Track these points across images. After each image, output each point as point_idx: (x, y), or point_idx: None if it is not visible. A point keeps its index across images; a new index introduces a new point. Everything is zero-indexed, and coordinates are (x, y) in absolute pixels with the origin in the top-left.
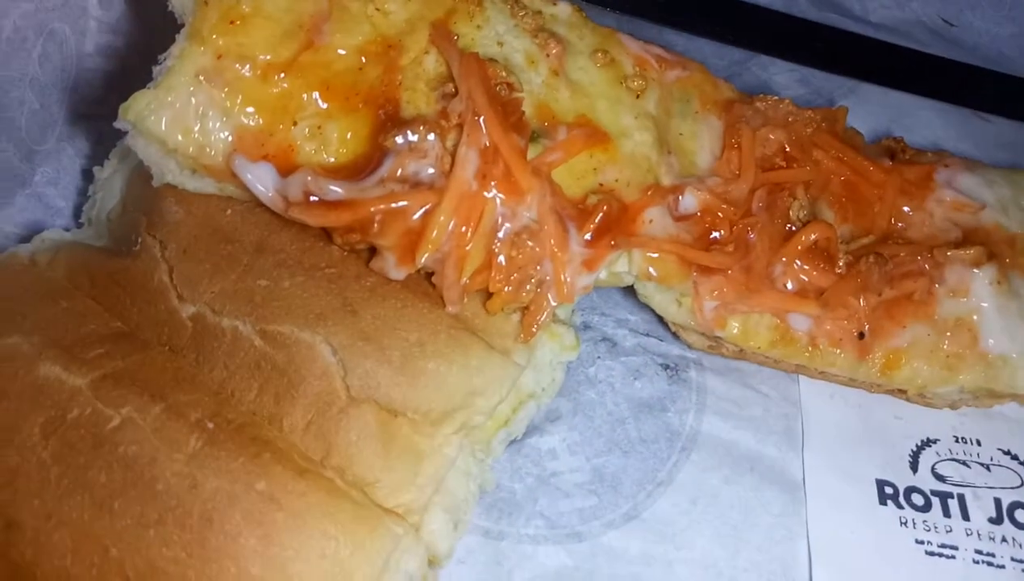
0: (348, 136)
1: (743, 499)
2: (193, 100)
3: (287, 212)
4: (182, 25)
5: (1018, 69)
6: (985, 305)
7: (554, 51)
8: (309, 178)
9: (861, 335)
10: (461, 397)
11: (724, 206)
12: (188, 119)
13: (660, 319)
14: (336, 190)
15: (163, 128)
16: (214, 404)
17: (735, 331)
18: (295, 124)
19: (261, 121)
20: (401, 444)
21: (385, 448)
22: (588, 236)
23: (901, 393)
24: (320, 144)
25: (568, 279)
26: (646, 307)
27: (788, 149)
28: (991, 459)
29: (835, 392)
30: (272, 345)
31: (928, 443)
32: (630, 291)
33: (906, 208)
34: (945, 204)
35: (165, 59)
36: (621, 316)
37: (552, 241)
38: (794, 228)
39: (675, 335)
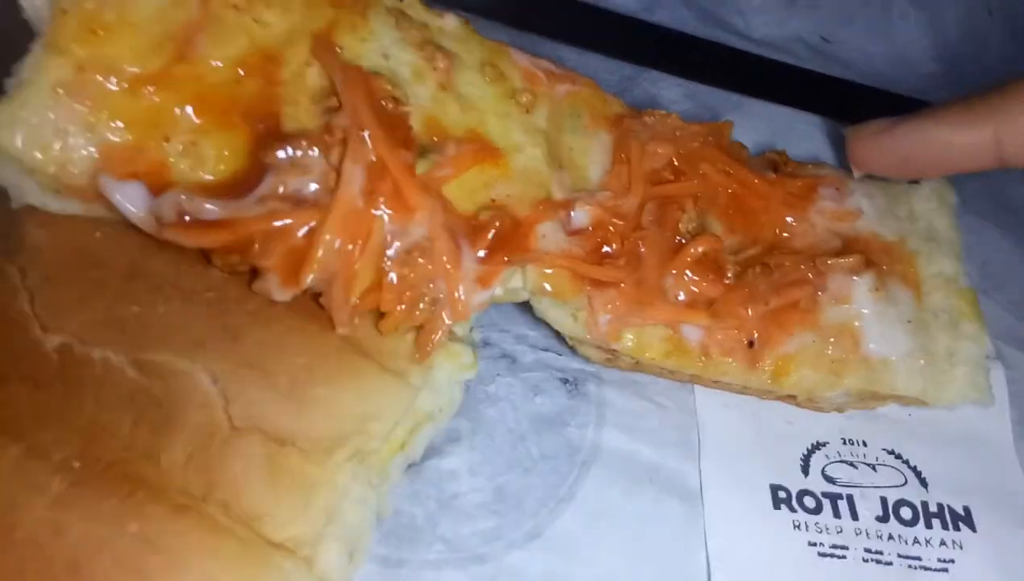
0: (225, 152)
1: (643, 511)
2: (52, 115)
3: (160, 233)
4: (38, 34)
5: (891, 85)
6: (866, 311)
7: (441, 65)
8: (183, 197)
9: (751, 343)
10: (353, 422)
11: (615, 220)
12: (47, 135)
13: (558, 334)
14: (212, 209)
15: (19, 145)
16: (81, 442)
17: (630, 343)
18: (167, 140)
19: (130, 137)
20: (290, 475)
21: (273, 479)
22: (481, 253)
23: (791, 399)
24: (195, 161)
25: (462, 297)
26: (545, 322)
27: (676, 163)
28: (876, 459)
29: (729, 401)
30: (147, 375)
31: (818, 446)
32: (528, 306)
33: (789, 218)
34: (826, 214)
35: (19, 71)
36: (520, 332)
37: (444, 258)
38: (683, 241)
39: (573, 349)
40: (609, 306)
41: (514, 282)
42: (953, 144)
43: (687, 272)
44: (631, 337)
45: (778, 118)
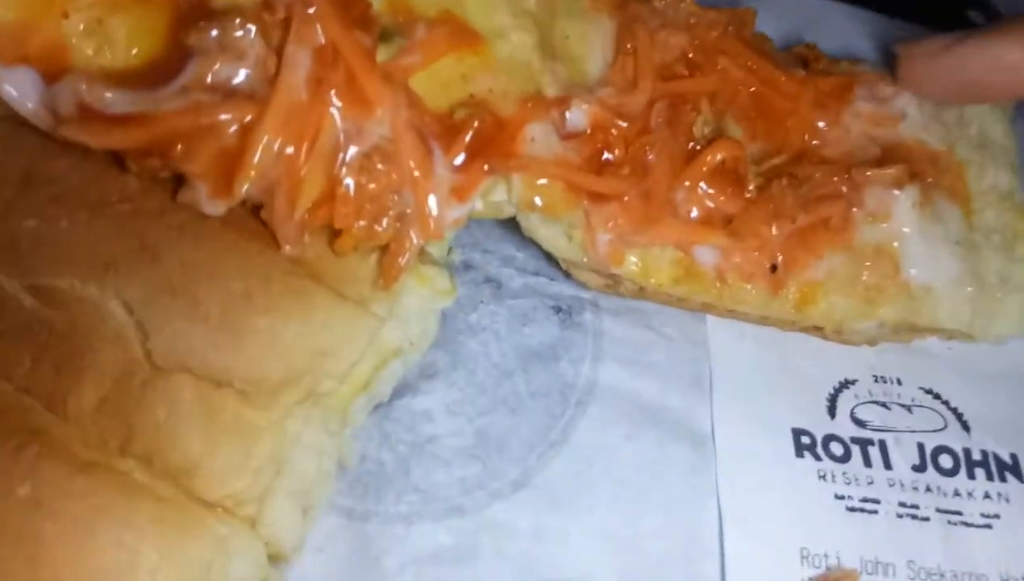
0: (139, 32)
1: (646, 457)
2: None
3: (57, 130)
4: None
5: None
6: (907, 230)
7: None
8: (83, 86)
9: (774, 268)
10: (304, 359)
11: (618, 121)
12: None
13: (550, 256)
14: (121, 100)
15: None
16: None
17: (634, 268)
18: (66, 17)
19: (17, 13)
20: (227, 421)
21: (206, 427)
22: (458, 159)
23: (817, 330)
24: (101, 43)
25: (434, 211)
26: (535, 242)
27: (691, 55)
28: (912, 399)
29: (745, 331)
30: (48, 304)
31: (846, 385)
32: (515, 224)
33: (821, 123)
34: (863, 118)
35: None
36: (507, 253)
37: (412, 164)
38: (698, 147)
39: (567, 274)
40: (610, 223)
41: (497, 194)
42: None
43: (702, 184)
44: (635, 260)
45: (808, 6)
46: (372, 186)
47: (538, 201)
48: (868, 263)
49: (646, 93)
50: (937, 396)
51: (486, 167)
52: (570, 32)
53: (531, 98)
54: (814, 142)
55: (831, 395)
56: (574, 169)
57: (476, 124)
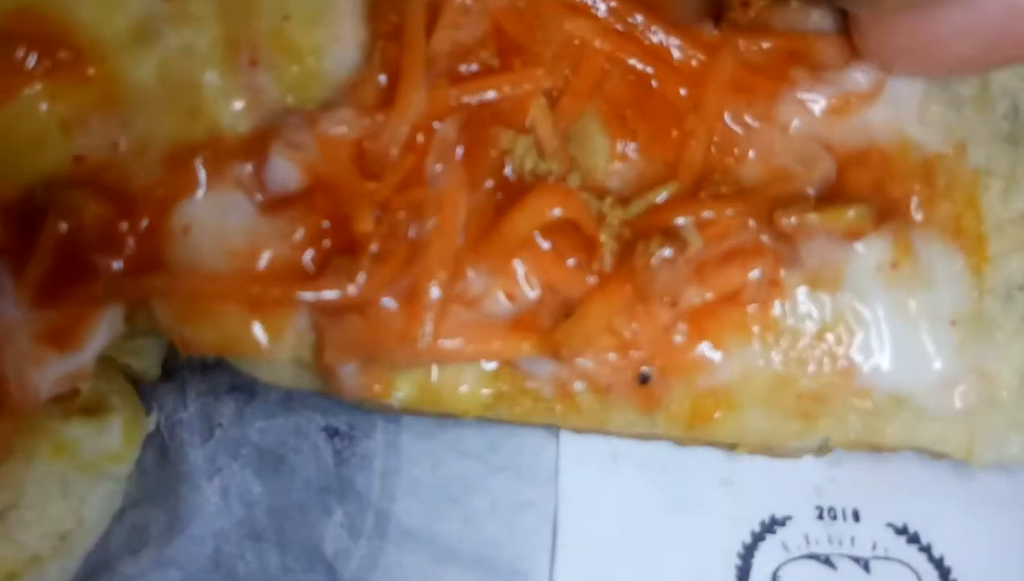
0: None
1: None
2: None
3: None
4: None
5: None
6: (865, 310)
7: None
8: None
9: (644, 378)
10: None
11: (368, 164)
12: None
13: None
14: None
15: None
16: None
17: (405, 395)
18: None
19: None
20: None
21: None
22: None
23: (730, 444)
24: None
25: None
26: None
27: (507, 28)
28: (873, 547)
29: (619, 452)
30: None
31: (771, 527)
32: None
33: (748, 117)
34: (813, 106)
35: None
36: None
37: None
38: (521, 183)
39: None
40: (353, 347)
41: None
42: None
43: (517, 259)
44: (407, 388)
45: None
46: None
47: (200, 337)
48: (803, 357)
49: (411, 109)
50: (914, 537)
51: (84, 301)
52: (293, 7)
53: (189, 150)
54: (728, 157)
55: (745, 549)
56: (257, 279)
57: (63, 227)
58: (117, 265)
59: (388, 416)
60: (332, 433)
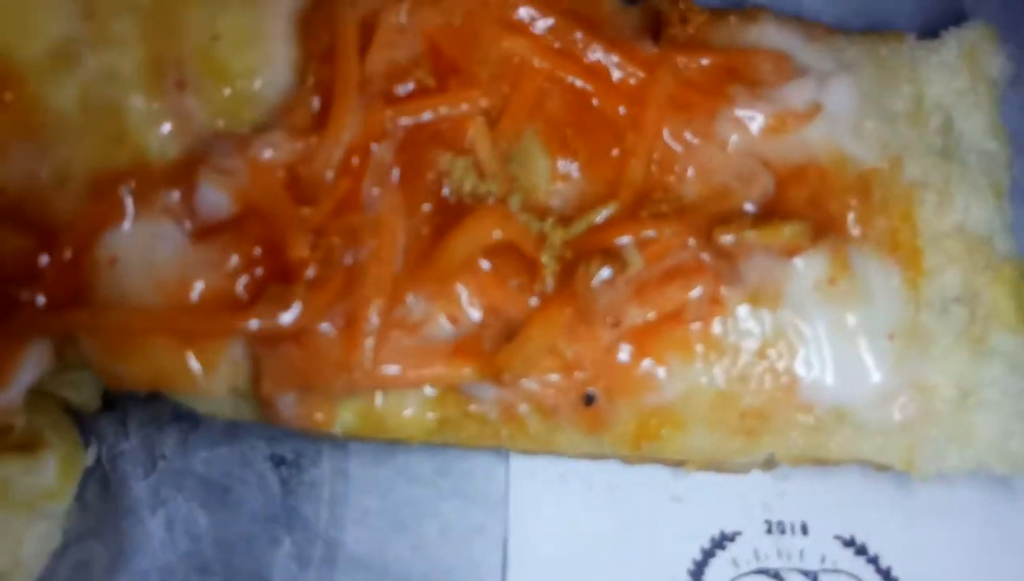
0: None
1: None
2: None
3: None
4: None
5: None
6: (805, 326)
7: None
8: None
9: (589, 399)
10: None
11: (303, 189)
12: None
13: None
14: None
15: None
16: None
17: (348, 423)
18: None
19: None
20: None
21: None
22: None
23: (678, 462)
24: None
25: None
26: None
27: (442, 47)
28: (822, 560)
29: (568, 472)
30: None
31: (721, 543)
32: None
33: (687, 135)
34: (751, 123)
35: None
36: None
37: None
38: (460, 204)
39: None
40: (289, 378)
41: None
42: None
43: (459, 284)
44: (349, 416)
45: None
46: None
47: (130, 372)
48: (744, 374)
49: (345, 131)
50: (859, 547)
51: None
52: (222, 27)
53: (114, 177)
54: (668, 176)
55: (696, 565)
56: (188, 310)
57: None
58: (40, 299)
59: (335, 443)
60: (278, 462)
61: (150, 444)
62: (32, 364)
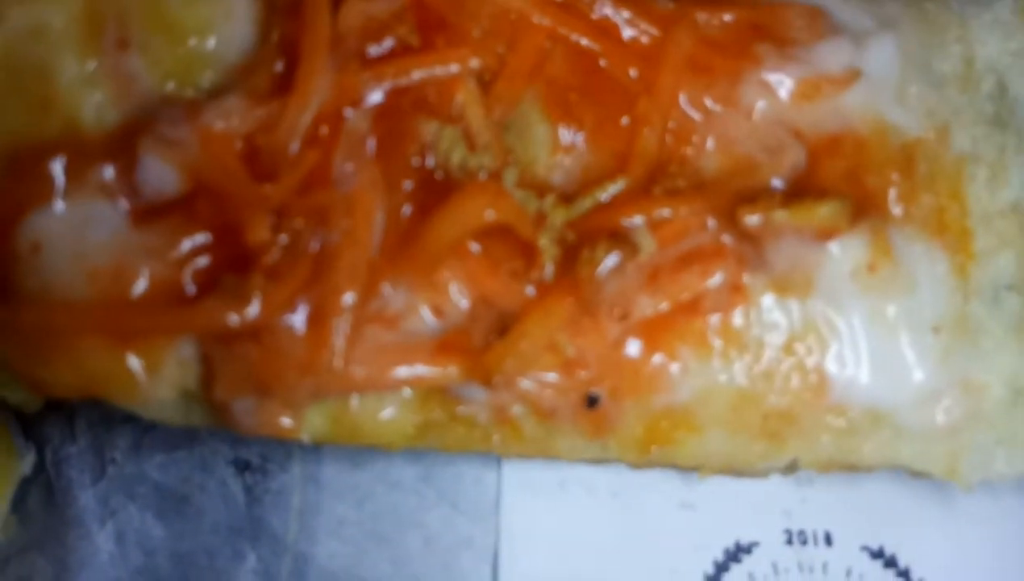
0: None
1: None
2: None
3: None
4: None
5: None
6: (838, 318)
7: None
8: None
9: (592, 400)
10: None
11: (260, 163)
12: None
13: None
14: None
15: None
16: None
17: (316, 429)
18: None
19: None
20: None
21: None
22: None
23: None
24: None
25: None
26: None
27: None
28: (847, 573)
29: (567, 479)
30: None
31: (738, 553)
32: None
33: (707, 101)
34: (779, 88)
35: None
36: None
37: None
38: (447, 182)
39: None
40: (246, 381)
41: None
42: None
43: (446, 272)
44: (319, 420)
45: None
46: None
47: (57, 378)
48: (770, 372)
49: (313, 96)
50: (890, 561)
51: None
52: None
53: (40, 150)
54: (685, 147)
55: (708, 580)
56: (125, 306)
57: None
58: None
59: (306, 446)
60: (242, 467)
61: (99, 447)
62: None
